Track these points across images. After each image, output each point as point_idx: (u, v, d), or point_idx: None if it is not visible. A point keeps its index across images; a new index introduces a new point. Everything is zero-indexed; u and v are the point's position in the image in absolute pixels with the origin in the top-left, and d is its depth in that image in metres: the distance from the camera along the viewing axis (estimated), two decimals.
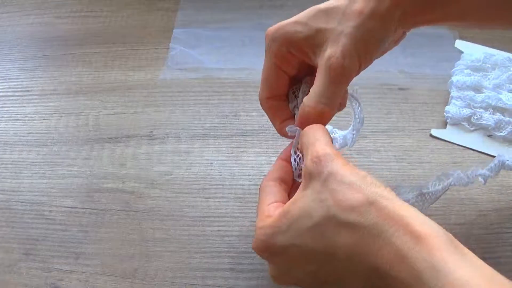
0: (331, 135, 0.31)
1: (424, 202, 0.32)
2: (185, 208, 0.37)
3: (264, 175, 0.38)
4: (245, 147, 0.40)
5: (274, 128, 0.41)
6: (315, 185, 0.24)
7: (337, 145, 0.33)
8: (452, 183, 0.32)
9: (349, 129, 0.33)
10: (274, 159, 0.39)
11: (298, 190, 0.25)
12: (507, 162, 0.33)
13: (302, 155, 0.28)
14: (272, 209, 0.26)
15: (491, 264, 0.33)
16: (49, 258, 0.34)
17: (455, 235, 0.34)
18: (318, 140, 0.26)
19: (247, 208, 0.36)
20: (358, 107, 0.32)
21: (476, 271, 0.20)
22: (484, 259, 0.33)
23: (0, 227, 0.36)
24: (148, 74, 0.46)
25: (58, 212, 0.37)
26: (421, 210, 0.30)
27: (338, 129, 0.36)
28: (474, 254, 0.22)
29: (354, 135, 0.33)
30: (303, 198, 0.24)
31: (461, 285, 0.19)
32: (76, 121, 0.43)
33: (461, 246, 0.21)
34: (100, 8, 0.54)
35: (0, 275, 0.34)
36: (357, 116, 0.32)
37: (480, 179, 0.34)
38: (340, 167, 0.24)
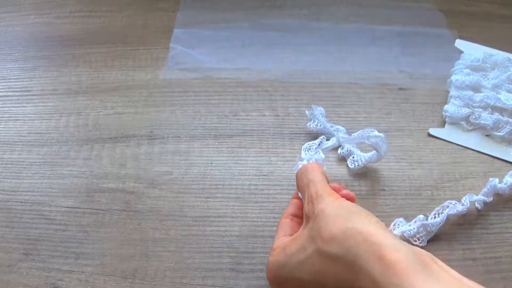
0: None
1: (426, 232, 0.34)
2: (185, 208, 0.37)
3: (264, 175, 0.38)
4: (245, 147, 0.40)
5: (274, 128, 0.41)
6: (309, 225, 0.27)
7: (355, 165, 0.38)
8: (449, 213, 0.35)
9: (371, 154, 0.38)
10: (274, 159, 0.39)
11: (299, 229, 0.29)
12: (498, 185, 0.35)
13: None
14: (279, 243, 0.29)
15: (491, 264, 0.33)
16: (49, 258, 0.34)
17: (456, 236, 0.35)
18: (312, 181, 0.30)
19: (247, 208, 0.36)
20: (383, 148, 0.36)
21: (442, 286, 0.22)
22: (484, 259, 0.34)
23: (0, 227, 0.36)
24: (148, 74, 0.46)
25: (58, 212, 0.37)
26: (425, 238, 0.34)
27: (358, 149, 0.39)
28: (448, 270, 0.24)
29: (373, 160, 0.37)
30: (301, 236, 0.28)
31: None
32: (76, 121, 0.43)
33: (433, 265, 0.23)
34: (100, 8, 0.54)
35: (0, 275, 0.34)
36: (382, 154, 0.37)
37: (477, 204, 0.35)
38: (329, 204, 0.27)
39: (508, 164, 0.39)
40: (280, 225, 0.31)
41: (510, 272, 0.33)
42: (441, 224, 0.34)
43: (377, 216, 0.27)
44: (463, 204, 0.35)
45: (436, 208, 0.35)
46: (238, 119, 0.42)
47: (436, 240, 0.35)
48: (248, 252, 0.34)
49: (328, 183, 0.31)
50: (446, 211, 0.35)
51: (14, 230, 0.36)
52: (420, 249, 0.25)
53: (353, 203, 0.28)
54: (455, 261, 0.34)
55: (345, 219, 0.26)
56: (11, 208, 0.37)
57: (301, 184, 0.31)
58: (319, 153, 0.35)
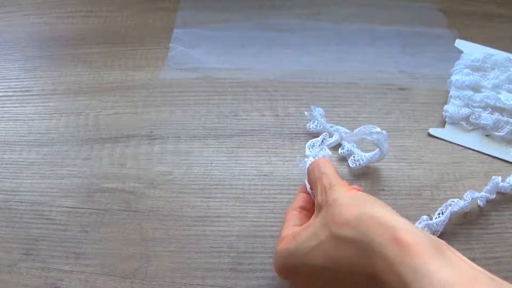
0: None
1: (431, 232, 0.35)
2: (185, 208, 0.37)
3: (264, 175, 0.38)
4: (245, 147, 0.40)
5: (274, 128, 0.41)
6: (322, 213, 0.27)
7: (357, 164, 0.38)
8: (452, 210, 0.35)
9: (372, 154, 0.38)
10: (274, 159, 0.39)
11: (311, 219, 0.29)
12: (501, 184, 0.35)
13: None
14: (287, 232, 0.29)
15: (491, 264, 0.33)
16: (49, 258, 0.34)
17: (456, 236, 0.35)
18: (324, 173, 0.30)
19: (247, 208, 0.36)
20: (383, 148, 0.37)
21: (458, 272, 0.22)
22: (484, 259, 0.34)
23: (0, 227, 0.36)
24: (148, 74, 0.46)
25: (58, 212, 0.37)
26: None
27: (358, 149, 0.39)
28: (462, 258, 0.23)
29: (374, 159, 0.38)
30: (313, 224, 0.27)
31: (442, 286, 0.20)
32: (76, 121, 0.43)
33: (447, 251, 0.23)
34: (100, 8, 0.54)
35: (0, 275, 0.34)
36: (384, 151, 0.37)
37: (479, 202, 0.35)
38: (342, 194, 0.27)
39: (508, 164, 0.39)
40: (288, 216, 0.31)
41: (510, 272, 0.33)
42: (445, 222, 0.34)
43: None
44: (465, 200, 0.35)
45: (440, 208, 0.35)
46: (238, 119, 0.42)
47: None
48: (248, 252, 0.34)
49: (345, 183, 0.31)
50: (449, 209, 0.35)
51: (14, 230, 0.36)
52: (435, 236, 0.25)
53: (366, 193, 0.28)
54: None
55: (359, 206, 0.26)
56: (11, 208, 0.37)
57: (313, 177, 0.31)
58: (325, 150, 0.35)
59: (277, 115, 0.42)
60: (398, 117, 0.42)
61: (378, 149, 0.37)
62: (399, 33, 0.49)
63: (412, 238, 0.22)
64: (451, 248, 0.24)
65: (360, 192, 0.28)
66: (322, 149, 0.36)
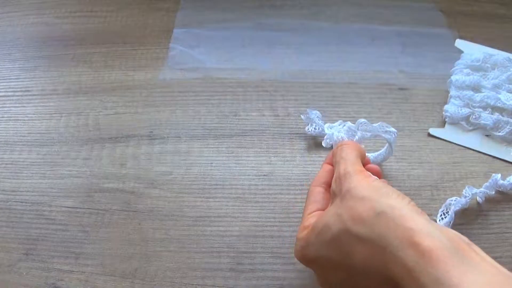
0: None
1: None
2: (185, 208, 0.37)
3: (264, 175, 0.38)
4: (245, 147, 0.40)
5: (274, 128, 0.41)
6: (336, 202, 0.27)
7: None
8: (455, 210, 0.35)
9: (376, 154, 0.38)
10: (274, 159, 0.39)
11: (328, 207, 0.28)
12: (500, 181, 0.35)
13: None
14: (311, 220, 0.28)
15: None
16: (49, 258, 0.34)
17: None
18: (343, 158, 0.29)
19: (247, 208, 0.36)
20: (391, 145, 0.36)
21: (483, 278, 0.20)
22: None
23: (0, 227, 0.36)
24: (148, 74, 0.46)
25: (58, 212, 0.37)
26: None
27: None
28: (486, 259, 0.22)
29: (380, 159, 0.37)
30: (327, 213, 0.27)
31: None
32: (76, 121, 0.43)
33: (471, 252, 0.22)
34: (100, 8, 0.54)
35: (0, 275, 0.34)
36: (391, 152, 0.36)
37: (478, 198, 0.35)
38: (357, 183, 0.26)
39: (508, 164, 0.39)
40: (312, 194, 0.30)
41: (509, 272, 0.33)
42: (451, 222, 0.34)
43: None
44: (465, 196, 0.35)
45: (440, 210, 0.35)
46: (238, 119, 0.42)
47: None
48: (248, 252, 0.34)
49: (364, 162, 0.30)
50: (452, 209, 0.35)
51: (14, 230, 0.36)
52: (455, 232, 0.23)
53: (383, 183, 0.26)
54: None
55: (375, 201, 0.24)
56: (11, 208, 0.37)
57: (334, 161, 0.30)
58: (344, 126, 0.35)
59: (277, 115, 0.42)
60: (398, 117, 0.42)
61: (383, 149, 0.37)
62: (399, 33, 0.49)
63: (432, 243, 0.21)
64: (474, 246, 0.22)
65: (376, 182, 0.26)
66: (342, 125, 0.35)
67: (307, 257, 0.27)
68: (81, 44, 0.50)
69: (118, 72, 0.47)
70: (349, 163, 0.28)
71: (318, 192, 0.30)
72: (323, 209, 0.29)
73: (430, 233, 0.22)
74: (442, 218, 0.35)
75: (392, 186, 0.37)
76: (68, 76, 0.47)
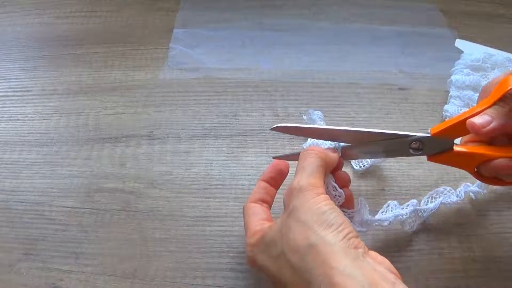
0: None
1: (417, 218, 0.34)
2: (185, 208, 0.37)
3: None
4: (245, 147, 0.40)
5: None
6: (284, 216, 0.27)
7: (361, 165, 0.37)
8: (442, 201, 0.35)
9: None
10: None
11: (280, 217, 0.28)
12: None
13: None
14: (259, 227, 0.29)
15: (491, 263, 0.33)
16: (49, 258, 0.34)
17: (456, 235, 0.35)
18: (302, 168, 0.28)
19: None
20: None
21: None
22: (483, 257, 0.33)
23: (0, 227, 0.36)
24: (148, 74, 0.46)
25: (58, 212, 0.37)
26: (414, 223, 0.33)
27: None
28: None
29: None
30: (276, 227, 0.27)
31: None
32: (76, 121, 0.43)
33: None
34: (100, 8, 0.54)
35: (0, 275, 0.34)
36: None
37: (471, 195, 0.35)
38: (304, 202, 0.26)
39: None
40: (249, 209, 0.31)
41: (509, 272, 0.33)
42: (433, 211, 0.34)
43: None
44: (457, 196, 0.35)
45: (430, 192, 0.35)
46: (238, 119, 0.42)
47: (436, 240, 0.35)
48: None
49: (333, 170, 0.30)
50: (440, 199, 0.35)
51: (14, 230, 0.36)
52: (385, 270, 0.24)
53: (330, 206, 0.26)
54: (456, 259, 0.34)
55: (311, 230, 0.25)
56: (11, 208, 0.37)
57: (296, 167, 0.30)
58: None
59: (277, 115, 0.42)
60: (398, 117, 0.42)
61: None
62: (399, 33, 0.49)
63: (348, 284, 0.22)
64: (397, 281, 0.23)
65: (323, 204, 0.26)
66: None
67: (257, 264, 0.28)
68: (81, 44, 0.50)
69: (118, 72, 0.47)
70: (305, 175, 0.28)
71: (254, 206, 0.31)
72: (267, 220, 0.30)
73: (351, 275, 0.23)
74: (428, 203, 0.35)
75: (392, 186, 0.38)
76: (68, 76, 0.47)
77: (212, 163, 0.39)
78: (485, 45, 0.48)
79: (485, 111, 0.30)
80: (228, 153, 0.40)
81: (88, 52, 0.49)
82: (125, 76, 0.46)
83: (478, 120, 0.29)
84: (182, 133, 0.41)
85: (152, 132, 0.41)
